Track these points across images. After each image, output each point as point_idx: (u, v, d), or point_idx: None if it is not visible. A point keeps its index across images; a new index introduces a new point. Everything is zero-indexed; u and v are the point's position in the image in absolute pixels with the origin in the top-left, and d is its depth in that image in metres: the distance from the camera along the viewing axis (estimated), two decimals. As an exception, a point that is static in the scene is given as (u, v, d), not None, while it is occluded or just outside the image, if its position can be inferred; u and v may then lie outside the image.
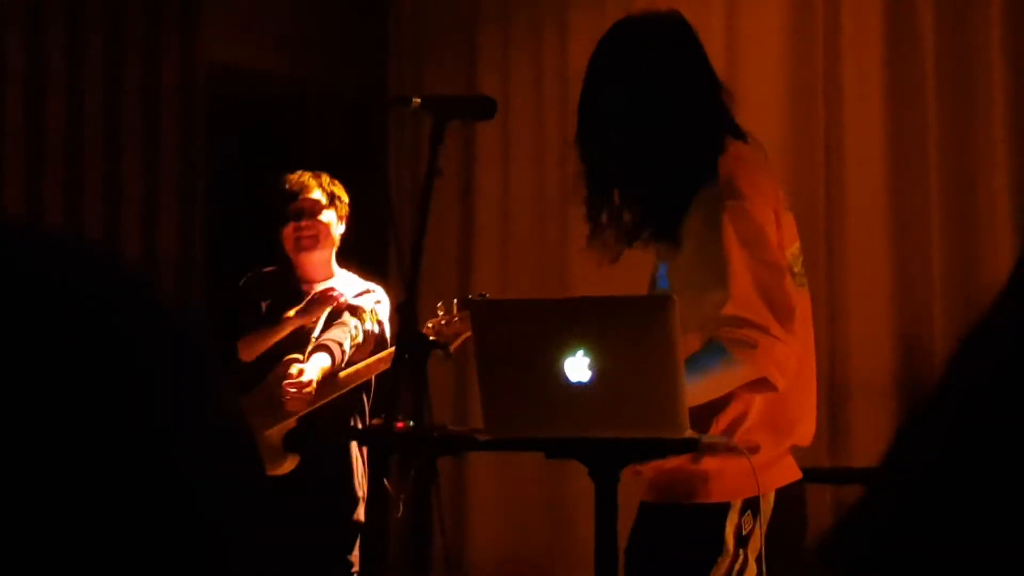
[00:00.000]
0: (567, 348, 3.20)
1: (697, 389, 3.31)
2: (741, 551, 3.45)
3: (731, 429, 3.46)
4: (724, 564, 3.45)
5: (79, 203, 6.58)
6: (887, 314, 6.11)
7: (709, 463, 3.45)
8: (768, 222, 3.47)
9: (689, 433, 3.21)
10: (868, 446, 6.05)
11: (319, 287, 5.44)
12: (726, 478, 3.47)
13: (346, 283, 5.50)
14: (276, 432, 5.22)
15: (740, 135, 3.61)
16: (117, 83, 6.73)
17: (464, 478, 7.11)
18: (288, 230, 5.42)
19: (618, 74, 3.55)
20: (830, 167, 6.31)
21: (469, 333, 4.46)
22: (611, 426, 3.23)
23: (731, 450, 3.39)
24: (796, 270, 3.58)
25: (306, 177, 5.44)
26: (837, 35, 6.30)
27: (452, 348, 4.49)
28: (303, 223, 5.38)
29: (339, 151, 7.00)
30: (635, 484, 3.62)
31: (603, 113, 3.55)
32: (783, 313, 3.38)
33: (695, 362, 3.34)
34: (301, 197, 5.39)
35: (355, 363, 5.28)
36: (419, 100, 3.63)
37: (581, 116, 3.60)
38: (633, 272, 3.78)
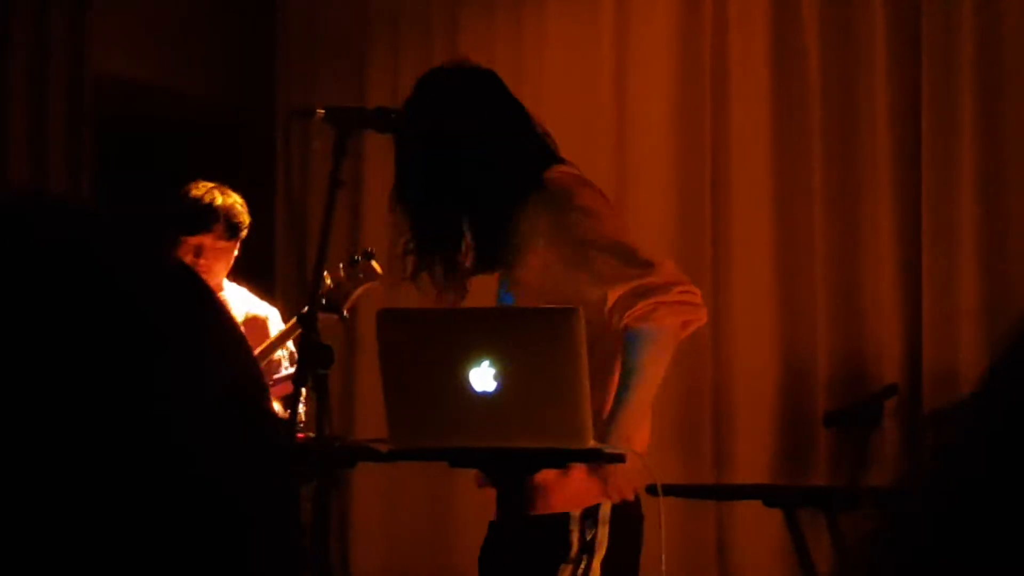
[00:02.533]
0: (472, 358, 3.21)
1: (648, 383, 3.41)
2: (585, 556, 3.52)
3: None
4: (567, 570, 3.51)
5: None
6: (771, 328, 6.18)
7: (548, 475, 3.49)
8: (613, 213, 3.61)
9: (592, 443, 3.24)
10: (752, 462, 6.12)
11: None
12: (567, 488, 3.53)
13: (236, 298, 5.45)
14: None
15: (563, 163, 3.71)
16: (2, 93, 6.63)
17: (349, 490, 7.08)
18: (185, 255, 5.21)
19: (422, 127, 3.62)
20: (716, 182, 6.37)
21: (360, 290, 4.47)
22: (516, 436, 3.25)
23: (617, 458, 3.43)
24: None
25: (213, 200, 5.21)
26: (724, 48, 6.37)
27: (345, 310, 4.42)
28: (200, 262, 5.21)
29: (225, 163, 6.95)
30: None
31: (417, 166, 3.62)
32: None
33: (629, 364, 3.43)
34: (201, 235, 5.17)
35: None
36: (323, 112, 3.62)
37: (398, 176, 3.66)
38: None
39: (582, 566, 3.52)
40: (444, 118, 3.60)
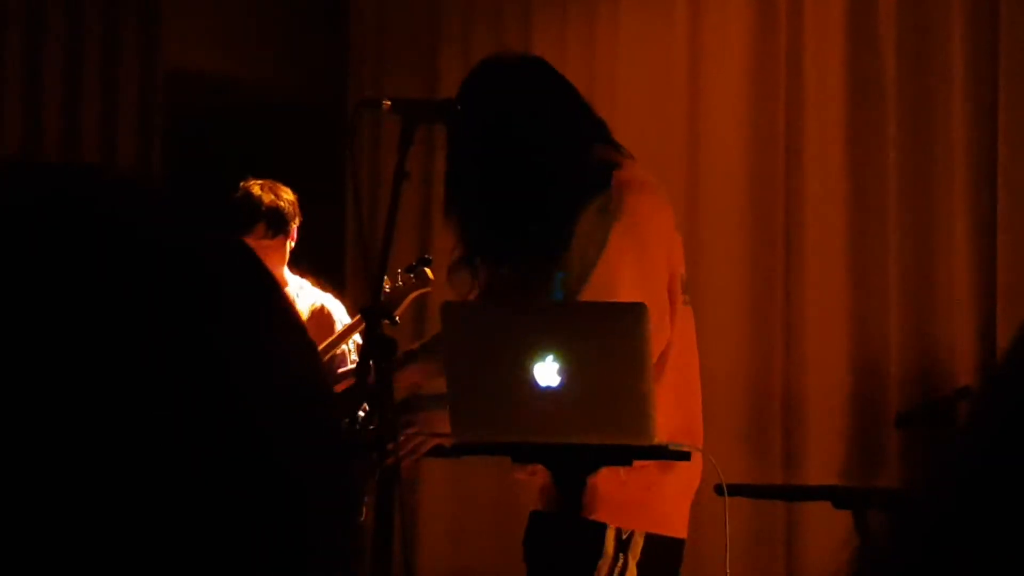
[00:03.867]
0: (537, 353, 3.18)
1: None
2: (621, 555, 3.47)
3: None
4: (604, 567, 3.47)
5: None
6: (843, 328, 6.12)
7: (603, 480, 3.44)
8: (655, 244, 3.51)
9: (657, 440, 3.20)
10: (822, 464, 6.06)
11: None
12: (614, 501, 3.47)
13: (300, 291, 5.46)
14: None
15: (623, 154, 3.65)
16: (76, 90, 6.67)
17: (416, 485, 7.07)
18: None
19: (485, 125, 3.57)
20: (789, 181, 6.32)
21: (414, 295, 4.46)
22: (579, 432, 3.23)
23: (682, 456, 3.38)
24: (684, 291, 3.63)
25: (254, 200, 5.25)
26: (799, 46, 6.31)
27: (397, 314, 4.42)
28: None
29: (299, 156, 6.96)
30: (526, 487, 3.63)
31: (479, 166, 3.57)
32: None
33: None
34: (244, 237, 5.19)
35: None
36: (389, 103, 3.60)
37: (455, 176, 3.63)
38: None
39: (619, 564, 3.47)
40: (507, 114, 3.55)
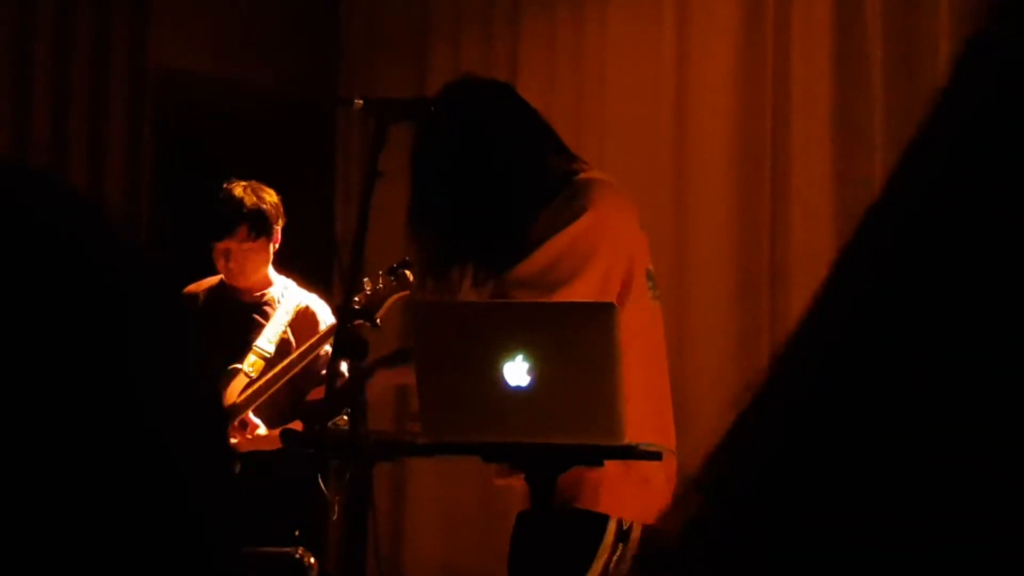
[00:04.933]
0: (507, 352, 3.18)
1: None
2: (621, 545, 3.49)
3: None
4: (603, 556, 3.49)
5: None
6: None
7: (604, 472, 3.45)
8: (612, 239, 3.56)
9: (627, 440, 3.20)
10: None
11: (256, 294, 5.41)
12: (615, 492, 3.50)
13: (285, 290, 5.46)
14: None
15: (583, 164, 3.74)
16: (64, 90, 6.67)
17: (403, 484, 7.08)
18: (217, 258, 5.32)
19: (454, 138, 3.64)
20: (776, 186, 6.31)
21: (394, 298, 4.48)
22: (549, 431, 3.22)
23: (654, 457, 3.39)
24: (651, 285, 3.68)
25: (235, 203, 5.27)
26: (787, 49, 6.30)
27: (377, 317, 4.43)
28: (231, 265, 5.29)
29: (288, 156, 6.96)
30: (512, 490, 3.65)
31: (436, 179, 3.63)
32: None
33: None
34: (226, 239, 5.24)
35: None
36: (361, 101, 3.61)
37: (416, 189, 3.67)
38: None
39: (617, 553, 3.50)
40: (471, 129, 3.60)
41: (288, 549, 4.94)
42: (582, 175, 3.61)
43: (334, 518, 3.52)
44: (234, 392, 5.20)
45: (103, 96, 6.77)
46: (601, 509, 3.52)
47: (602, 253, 3.52)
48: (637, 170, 6.13)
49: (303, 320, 5.36)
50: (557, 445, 3.25)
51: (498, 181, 3.57)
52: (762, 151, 6.32)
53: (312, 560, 4.72)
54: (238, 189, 5.29)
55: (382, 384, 3.74)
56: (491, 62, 7.07)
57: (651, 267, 3.69)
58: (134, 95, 6.85)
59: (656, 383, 3.63)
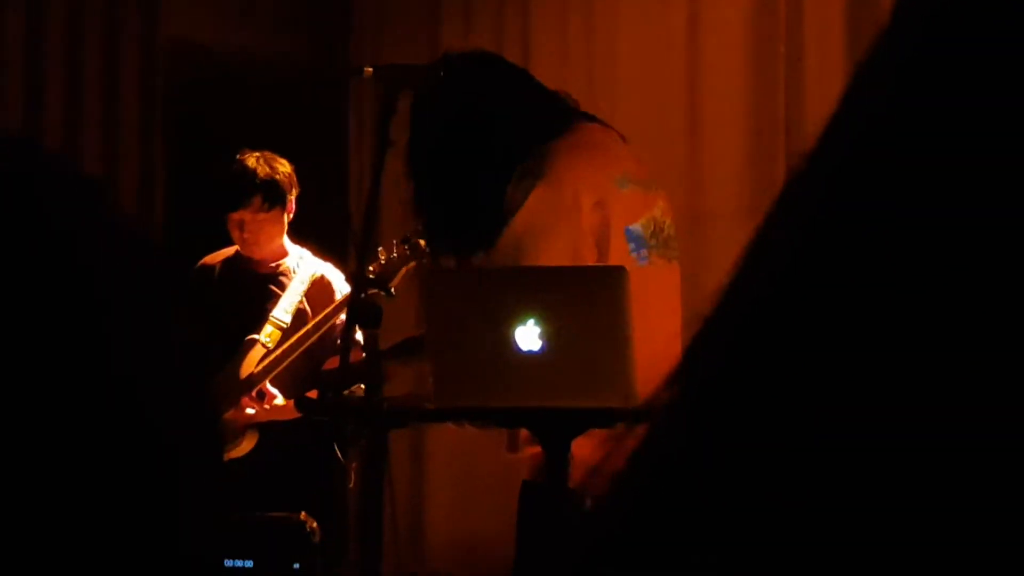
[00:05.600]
0: (518, 317, 3.19)
1: None
2: None
3: None
4: None
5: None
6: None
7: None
8: (563, 214, 3.53)
9: (641, 403, 3.20)
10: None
11: (271, 264, 5.42)
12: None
13: (301, 260, 5.47)
14: (234, 415, 5.16)
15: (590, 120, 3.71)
16: (77, 62, 6.67)
17: (421, 454, 7.09)
18: (232, 229, 5.33)
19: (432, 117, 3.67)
20: (790, 155, 6.28)
21: (409, 266, 4.48)
22: (562, 395, 3.23)
23: None
24: (652, 242, 3.64)
25: (248, 173, 5.27)
26: (800, 19, 6.28)
27: (392, 286, 4.42)
28: (245, 235, 5.31)
29: (301, 127, 6.96)
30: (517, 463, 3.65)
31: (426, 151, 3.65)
32: None
33: None
34: (240, 210, 5.25)
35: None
36: (371, 70, 3.61)
37: (411, 160, 3.68)
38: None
39: None
40: (468, 104, 3.60)
41: (291, 514, 4.95)
42: (559, 140, 3.58)
43: (350, 486, 3.52)
44: (252, 363, 5.22)
45: (115, 69, 6.77)
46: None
47: (561, 227, 3.49)
48: (649, 143, 6.11)
49: (319, 290, 5.37)
50: (570, 409, 3.25)
51: (469, 167, 3.57)
52: (775, 126, 6.31)
53: (314, 524, 4.72)
54: (251, 159, 5.29)
55: (388, 377, 3.73)
56: (503, 36, 7.05)
57: (640, 225, 3.64)
58: (146, 67, 6.85)
59: (652, 349, 3.59)
